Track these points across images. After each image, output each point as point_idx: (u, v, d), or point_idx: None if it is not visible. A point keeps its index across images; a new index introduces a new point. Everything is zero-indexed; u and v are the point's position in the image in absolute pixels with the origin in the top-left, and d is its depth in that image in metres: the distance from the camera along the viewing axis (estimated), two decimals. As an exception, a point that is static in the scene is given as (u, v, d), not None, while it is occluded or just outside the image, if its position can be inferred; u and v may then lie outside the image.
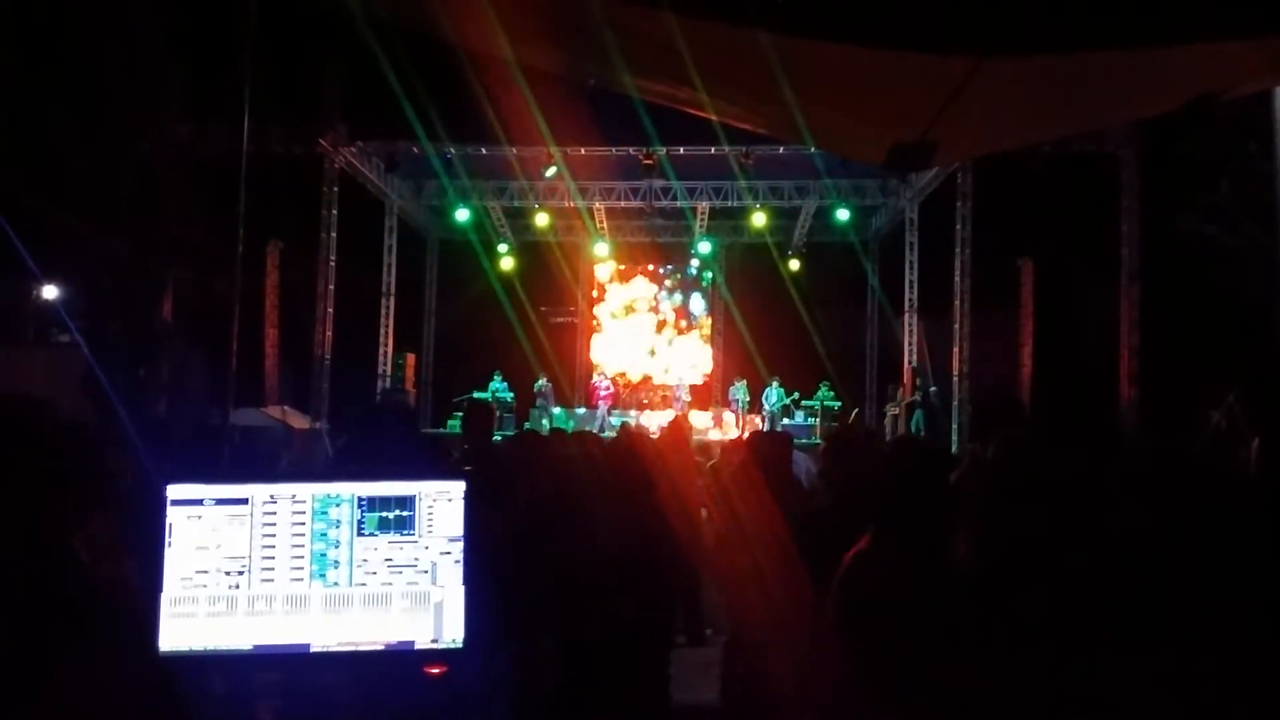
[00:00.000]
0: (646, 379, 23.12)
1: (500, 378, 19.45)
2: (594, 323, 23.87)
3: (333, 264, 17.62)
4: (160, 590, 2.37)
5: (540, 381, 19.94)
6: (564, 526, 3.99)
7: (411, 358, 21.11)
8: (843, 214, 19.59)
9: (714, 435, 17.87)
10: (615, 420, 18.41)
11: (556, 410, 20.30)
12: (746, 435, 11.27)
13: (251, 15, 10.85)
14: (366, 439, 4.22)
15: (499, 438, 7.93)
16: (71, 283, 17.17)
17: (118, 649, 2.40)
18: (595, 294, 23.89)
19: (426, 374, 22.42)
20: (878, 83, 4.38)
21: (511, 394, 19.31)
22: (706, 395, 22.52)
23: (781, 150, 16.99)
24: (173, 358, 15.60)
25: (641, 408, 20.74)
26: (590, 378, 22.01)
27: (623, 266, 23.66)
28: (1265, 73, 4.86)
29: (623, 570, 4.00)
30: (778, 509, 3.89)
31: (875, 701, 2.64)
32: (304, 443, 14.81)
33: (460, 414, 17.89)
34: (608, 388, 20.73)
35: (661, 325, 23.86)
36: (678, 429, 7.95)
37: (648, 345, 23.71)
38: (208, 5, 13.68)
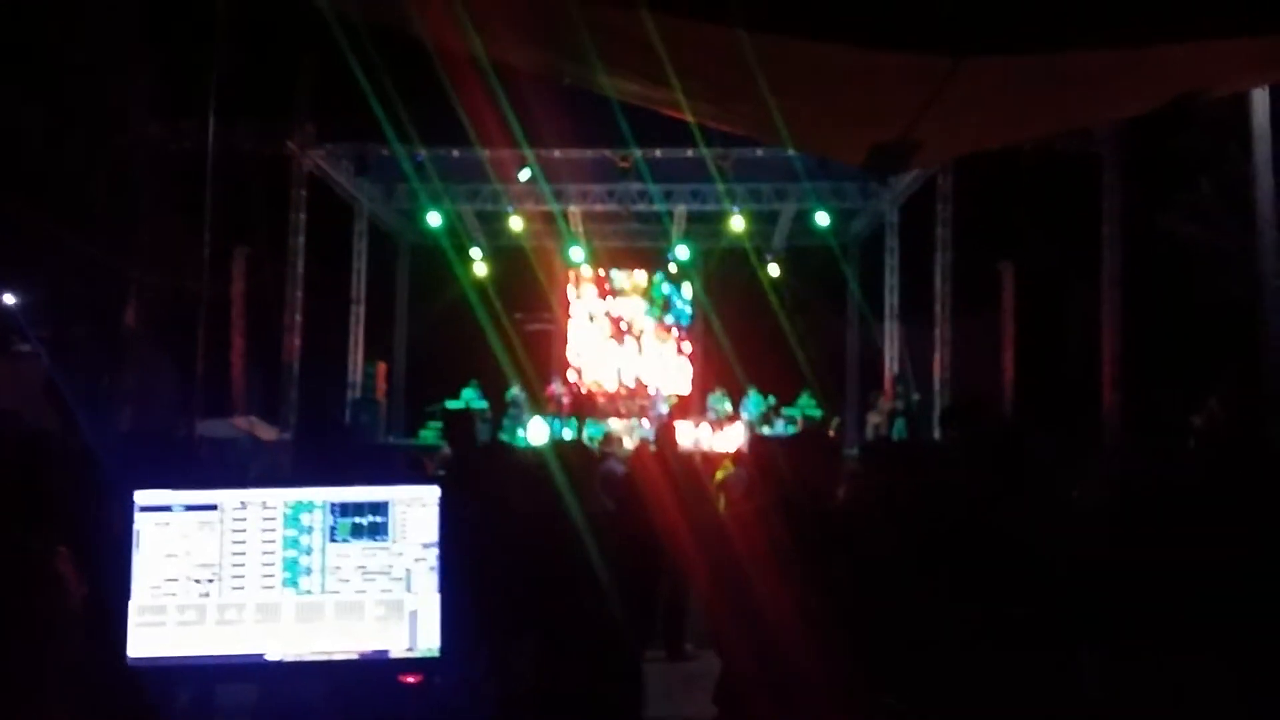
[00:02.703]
0: (624, 389, 22.84)
1: (475, 386, 19.13)
2: (568, 330, 23.55)
3: (301, 270, 17.27)
4: (128, 598, 2.34)
5: (513, 390, 19.59)
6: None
7: (383, 366, 20.75)
8: (822, 218, 19.41)
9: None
10: (596, 430, 18.08)
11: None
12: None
13: (220, 14, 10.59)
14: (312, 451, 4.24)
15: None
16: (34, 288, 16.81)
17: (81, 656, 2.43)
18: (572, 299, 23.56)
19: (398, 382, 22.06)
20: (856, 82, 4.34)
21: (485, 403, 18.98)
22: (687, 405, 22.27)
23: (760, 152, 16.85)
24: (138, 365, 15.30)
25: (621, 417, 20.44)
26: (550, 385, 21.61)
27: (599, 271, 23.38)
28: (1246, 73, 4.87)
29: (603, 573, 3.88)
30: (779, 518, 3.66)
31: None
32: (273, 455, 14.47)
33: (435, 424, 17.61)
34: (563, 394, 20.45)
35: (638, 333, 23.59)
36: (668, 434, 7.74)
37: (624, 353, 23.44)
38: (176, 3, 13.43)
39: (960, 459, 3.02)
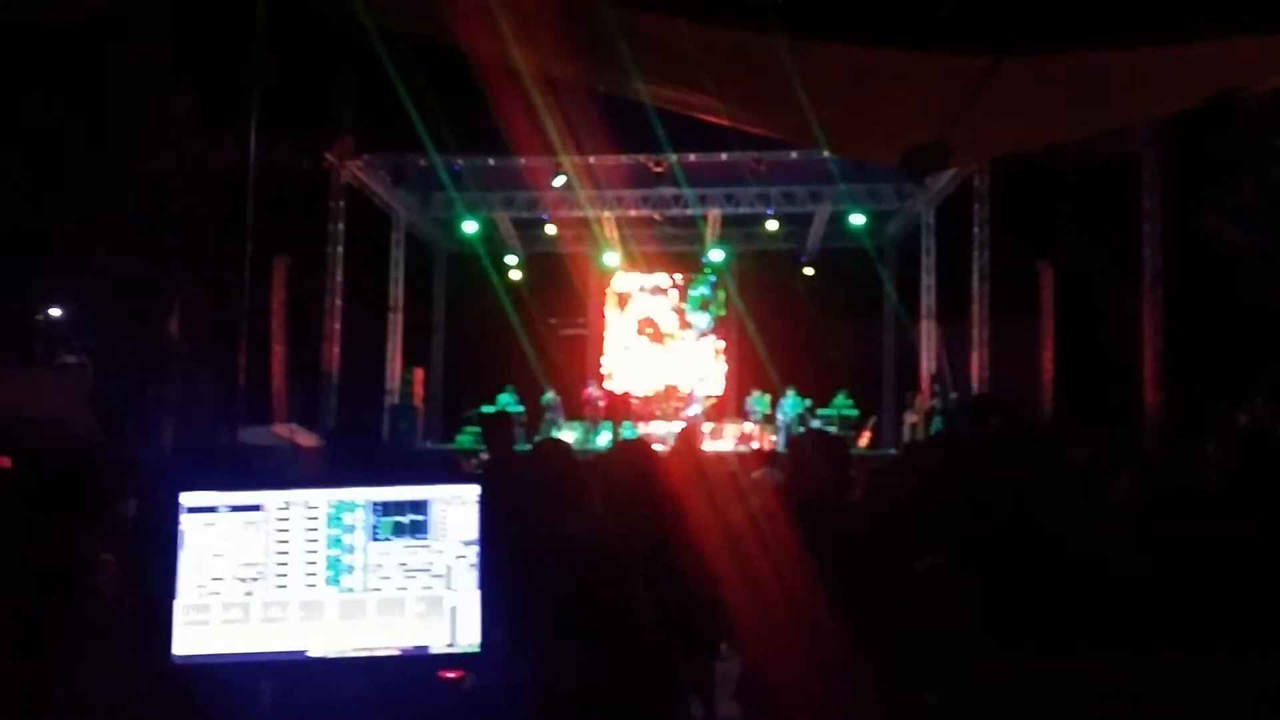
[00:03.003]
0: (659, 391, 22.82)
1: (511, 391, 19.22)
2: (603, 334, 23.57)
3: (340, 279, 17.44)
4: (174, 597, 2.40)
5: (548, 395, 19.70)
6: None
7: (420, 372, 20.89)
8: (857, 219, 19.36)
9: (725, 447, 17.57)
10: (631, 433, 18.12)
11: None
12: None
13: (260, 27, 10.71)
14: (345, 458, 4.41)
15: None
16: (78, 301, 17.07)
17: (126, 656, 2.49)
18: (608, 304, 23.59)
19: (435, 389, 22.19)
20: (893, 84, 4.34)
21: (522, 407, 19.07)
22: (723, 406, 22.23)
23: (794, 155, 16.79)
24: (181, 375, 15.46)
25: (656, 419, 20.44)
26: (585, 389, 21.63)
27: (633, 276, 23.39)
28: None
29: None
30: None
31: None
32: (313, 462, 14.60)
33: (471, 428, 17.71)
34: (599, 398, 20.47)
35: (672, 336, 23.57)
36: (693, 434, 7.76)
37: (658, 356, 23.43)
38: (216, 17, 13.58)
39: (992, 454, 3.01)
